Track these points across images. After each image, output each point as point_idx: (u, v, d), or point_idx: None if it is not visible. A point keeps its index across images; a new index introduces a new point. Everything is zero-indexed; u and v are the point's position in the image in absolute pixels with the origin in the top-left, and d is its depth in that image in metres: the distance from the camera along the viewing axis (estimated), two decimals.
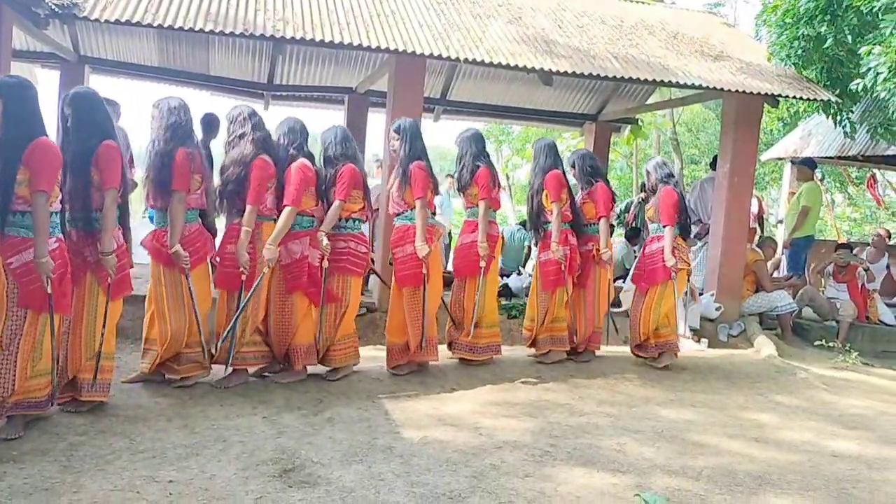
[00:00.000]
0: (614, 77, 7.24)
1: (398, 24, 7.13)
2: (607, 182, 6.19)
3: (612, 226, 10.72)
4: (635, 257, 8.79)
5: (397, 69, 7.15)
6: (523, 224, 10.73)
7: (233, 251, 4.57)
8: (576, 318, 6.05)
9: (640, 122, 11.61)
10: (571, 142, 16.25)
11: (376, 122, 10.25)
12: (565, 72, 7.06)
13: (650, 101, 11.06)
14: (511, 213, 22.07)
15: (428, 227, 5.17)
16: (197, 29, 6.16)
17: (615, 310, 7.58)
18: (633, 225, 10.17)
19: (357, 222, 5.11)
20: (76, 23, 6.65)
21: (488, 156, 5.69)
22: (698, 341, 7.25)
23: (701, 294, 7.71)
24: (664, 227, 5.96)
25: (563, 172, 5.89)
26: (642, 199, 10.46)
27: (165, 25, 6.09)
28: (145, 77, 9.60)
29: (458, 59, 6.84)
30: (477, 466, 3.64)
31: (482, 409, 4.65)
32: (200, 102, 40.21)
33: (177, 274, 4.44)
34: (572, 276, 5.89)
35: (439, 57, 6.80)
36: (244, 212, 4.56)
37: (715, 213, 8.16)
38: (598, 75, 7.14)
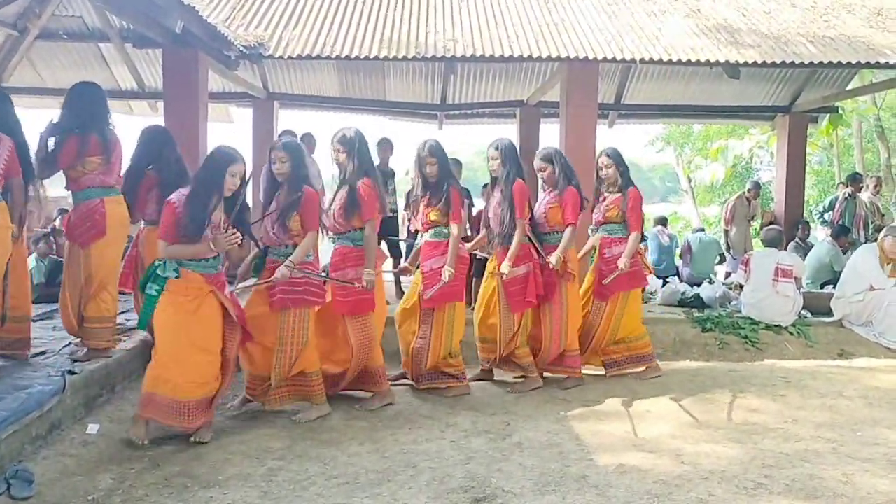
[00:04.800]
0: (811, 63, 6.60)
1: (568, 30, 6.94)
2: (577, 185, 5.35)
3: (807, 223, 9.91)
4: (846, 256, 7.95)
5: (569, 77, 6.95)
6: (701, 229, 10.10)
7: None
8: (542, 338, 5.34)
9: (840, 110, 10.54)
10: (761, 137, 15.15)
11: (549, 133, 10.09)
12: (753, 62, 6.52)
13: (850, 86, 10.01)
14: (695, 217, 20.97)
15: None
16: (372, 57, 6.36)
17: (826, 319, 6.86)
18: (841, 222, 9.22)
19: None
20: (264, 62, 7.08)
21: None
22: None
23: None
24: (632, 233, 5.39)
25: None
26: (849, 195, 9.49)
27: (343, 56, 6.33)
28: (328, 108, 10.16)
29: (633, 61, 6.54)
30: (682, 500, 3.33)
31: (681, 433, 4.30)
32: (379, 127, 42.11)
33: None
34: (538, 294, 5.21)
35: (613, 60, 6.54)
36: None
37: None
38: (792, 62, 6.52)
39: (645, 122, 11.71)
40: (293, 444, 4.03)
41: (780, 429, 4.40)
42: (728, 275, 9.48)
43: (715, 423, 4.48)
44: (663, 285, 8.07)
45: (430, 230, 5.04)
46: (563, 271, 5.19)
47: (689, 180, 21.73)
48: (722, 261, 9.66)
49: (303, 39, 6.57)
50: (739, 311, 6.96)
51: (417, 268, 5.22)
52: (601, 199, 5.58)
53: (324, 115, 10.60)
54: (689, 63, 6.58)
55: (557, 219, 5.26)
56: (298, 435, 4.19)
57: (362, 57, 6.37)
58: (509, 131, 10.52)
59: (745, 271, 7.00)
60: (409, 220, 5.85)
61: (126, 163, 4.87)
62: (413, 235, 5.44)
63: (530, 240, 5.21)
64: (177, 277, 3.86)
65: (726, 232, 10.08)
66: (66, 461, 3.62)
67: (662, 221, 9.70)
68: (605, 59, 6.49)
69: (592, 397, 5.03)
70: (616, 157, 5.51)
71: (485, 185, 6.29)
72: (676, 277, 8.88)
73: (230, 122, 10.77)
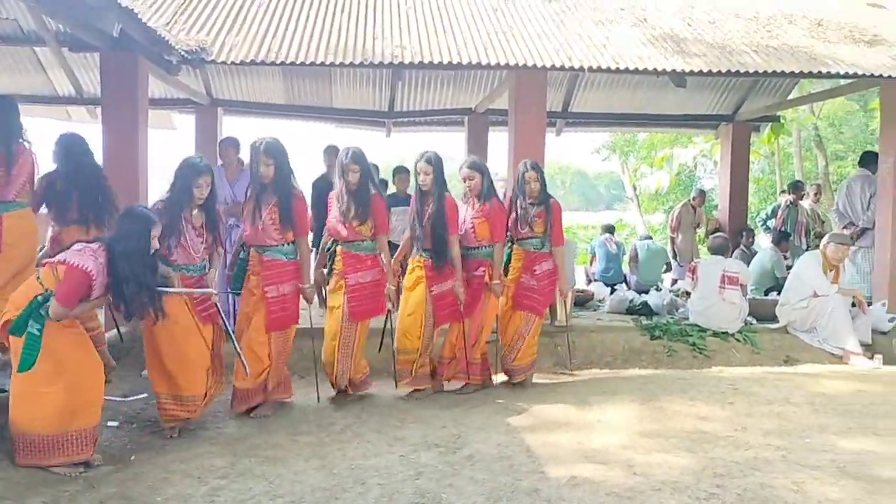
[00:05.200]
0: (755, 72, 6.68)
1: (517, 38, 6.91)
2: (499, 198, 5.46)
3: (751, 231, 10.10)
4: (788, 267, 8.10)
5: (518, 84, 6.93)
6: (648, 237, 10.20)
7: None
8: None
9: (781, 120, 10.79)
10: (705, 145, 15.43)
11: (497, 141, 10.09)
12: (699, 71, 6.59)
13: (791, 96, 10.25)
14: (640, 224, 21.26)
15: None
16: (318, 63, 6.22)
17: (771, 325, 6.96)
18: (783, 229, 9.42)
19: None
20: (207, 68, 6.88)
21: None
22: (871, 358, 6.48)
23: (870, 304, 6.93)
24: (557, 247, 5.48)
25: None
26: (791, 202, 9.70)
27: (288, 62, 6.18)
28: (274, 115, 9.94)
29: (581, 69, 6.52)
30: None
31: (633, 443, 4.27)
32: (326, 134, 41.80)
33: None
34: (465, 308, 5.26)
35: (561, 68, 6.52)
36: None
37: (881, 214, 7.32)
38: (738, 71, 6.61)
39: (592, 130, 11.81)
40: (236, 462, 3.87)
41: (730, 437, 4.40)
42: (675, 282, 9.60)
43: (665, 432, 4.46)
44: (611, 293, 8.11)
45: (354, 242, 4.96)
46: (502, 287, 5.31)
47: (635, 188, 22.04)
48: (668, 268, 9.77)
49: (247, 44, 6.38)
50: (687, 319, 7.02)
51: (329, 272, 5.15)
52: (521, 212, 5.47)
53: (269, 121, 10.37)
54: (636, 71, 6.59)
55: (485, 233, 5.27)
56: (241, 452, 4.02)
57: (308, 63, 6.22)
58: (457, 139, 10.50)
59: (693, 279, 7.07)
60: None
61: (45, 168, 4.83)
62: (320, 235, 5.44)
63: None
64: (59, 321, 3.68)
65: (672, 239, 10.21)
66: None
67: (609, 229, 9.77)
68: (553, 67, 6.46)
69: (542, 407, 4.98)
70: (540, 170, 5.52)
71: None
72: (624, 285, 8.94)
73: (172, 128, 10.47)
